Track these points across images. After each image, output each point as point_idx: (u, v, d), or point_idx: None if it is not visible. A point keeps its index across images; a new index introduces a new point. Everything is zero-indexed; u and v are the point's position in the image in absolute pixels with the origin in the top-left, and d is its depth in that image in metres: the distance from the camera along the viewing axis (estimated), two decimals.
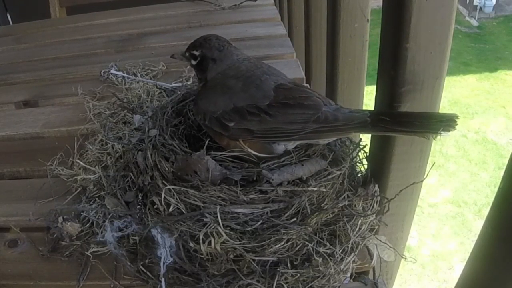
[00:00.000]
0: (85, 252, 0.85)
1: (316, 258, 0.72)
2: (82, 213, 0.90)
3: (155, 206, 0.76)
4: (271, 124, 0.75)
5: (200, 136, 0.93)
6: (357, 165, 0.85)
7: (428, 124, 0.67)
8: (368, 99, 1.49)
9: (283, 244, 0.70)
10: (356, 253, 0.77)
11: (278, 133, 0.75)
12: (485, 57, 6.13)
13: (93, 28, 2.06)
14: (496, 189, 0.58)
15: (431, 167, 0.82)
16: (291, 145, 0.78)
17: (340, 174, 0.78)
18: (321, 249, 0.73)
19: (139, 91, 1.30)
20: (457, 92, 5.36)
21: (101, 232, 0.82)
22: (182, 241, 0.72)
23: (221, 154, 0.78)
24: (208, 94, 0.84)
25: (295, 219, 0.71)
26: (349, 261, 0.76)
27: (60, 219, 0.89)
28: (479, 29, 6.81)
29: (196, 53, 0.88)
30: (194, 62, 0.89)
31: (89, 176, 0.97)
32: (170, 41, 1.82)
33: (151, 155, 0.80)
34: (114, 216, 0.81)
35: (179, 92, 1.04)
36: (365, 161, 0.86)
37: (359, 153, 0.85)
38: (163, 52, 1.71)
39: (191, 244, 0.71)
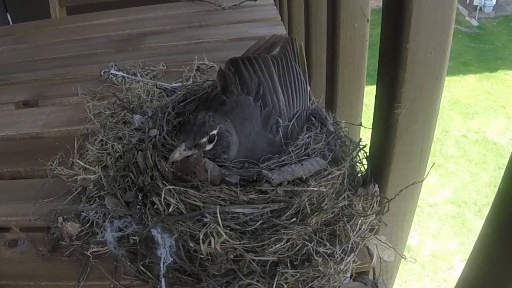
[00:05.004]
0: (85, 252, 0.84)
1: (316, 258, 0.72)
2: (82, 213, 0.90)
3: (155, 206, 0.76)
4: None
5: None
6: (357, 165, 0.85)
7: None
8: (368, 99, 1.49)
9: (283, 244, 0.70)
10: (356, 253, 0.77)
11: None
12: (485, 57, 6.13)
13: (93, 28, 2.06)
14: (496, 189, 0.58)
15: (431, 167, 0.82)
16: None
17: (340, 174, 0.78)
18: (321, 249, 0.73)
19: (139, 91, 1.30)
20: (457, 92, 5.36)
21: (101, 232, 0.82)
22: (182, 241, 0.72)
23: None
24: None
25: (295, 219, 0.71)
26: (349, 261, 0.76)
27: (60, 219, 0.89)
28: (479, 29, 6.80)
29: (214, 132, 0.74)
30: (210, 146, 0.75)
31: (89, 176, 0.97)
32: (170, 41, 1.82)
33: (151, 155, 0.80)
34: (114, 216, 0.81)
35: (179, 92, 1.04)
36: (365, 161, 0.86)
37: (359, 153, 0.85)
38: (163, 52, 1.71)
39: (191, 244, 0.71)
